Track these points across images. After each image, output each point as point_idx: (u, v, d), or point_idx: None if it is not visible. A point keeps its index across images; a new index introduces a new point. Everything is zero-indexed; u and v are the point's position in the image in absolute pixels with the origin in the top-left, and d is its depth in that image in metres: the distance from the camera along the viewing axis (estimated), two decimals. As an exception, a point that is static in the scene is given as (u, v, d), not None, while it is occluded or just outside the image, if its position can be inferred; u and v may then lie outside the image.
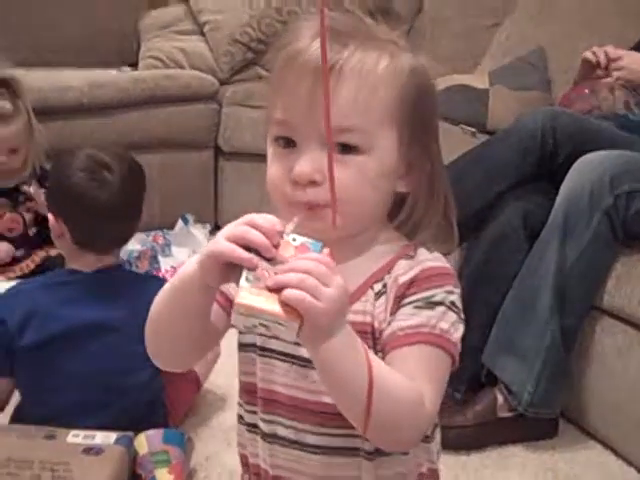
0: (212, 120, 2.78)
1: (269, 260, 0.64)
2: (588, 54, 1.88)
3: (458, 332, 0.75)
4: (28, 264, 2.16)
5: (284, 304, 0.62)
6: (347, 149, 0.73)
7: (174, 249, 2.49)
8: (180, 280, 0.73)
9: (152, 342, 0.78)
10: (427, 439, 0.83)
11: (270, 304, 0.62)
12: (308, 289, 0.62)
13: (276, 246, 0.65)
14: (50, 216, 1.49)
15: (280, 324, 0.63)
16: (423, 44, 2.64)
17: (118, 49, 3.12)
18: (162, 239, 2.49)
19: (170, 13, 3.18)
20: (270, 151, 0.77)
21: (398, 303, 0.75)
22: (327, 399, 0.76)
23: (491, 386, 1.65)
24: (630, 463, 1.57)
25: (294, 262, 0.64)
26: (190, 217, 2.64)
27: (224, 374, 1.70)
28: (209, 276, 0.68)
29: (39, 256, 2.16)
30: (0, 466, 1.29)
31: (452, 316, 0.75)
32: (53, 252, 2.08)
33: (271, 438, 0.81)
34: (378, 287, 0.77)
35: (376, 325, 0.76)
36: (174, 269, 2.30)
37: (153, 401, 1.50)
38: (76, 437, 1.36)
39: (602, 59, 1.85)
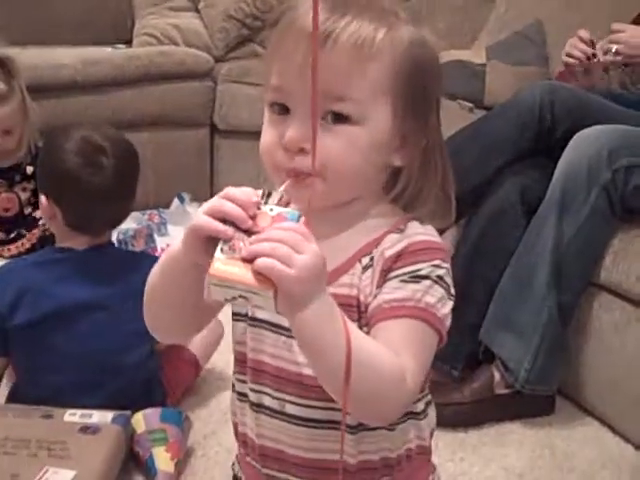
0: (207, 97, 2.76)
1: (246, 232, 0.65)
2: (569, 59, 1.86)
3: (446, 307, 0.75)
4: (24, 242, 2.15)
5: (257, 273, 0.62)
6: (339, 118, 0.73)
7: (170, 228, 2.48)
8: (168, 257, 0.74)
9: (149, 316, 0.79)
10: (417, 415, 0.83)
11: (243, 274, 0.62)
12: (279, 257, 0.62)
13: (253, 217, 0.65)
14: (42, 197, 1.47)
15: (255, 294, 0.63)
16: (419, 19, 2.61)
17: (112, 26, 3.09)
18: (158, 218, 2.48)
19: (164, -11, 3.14)
20: (265, 117, 0.77)
21: (384, 277, 0.75)
22: (307, 370, 0.76)
23: (488, 363, 1.65)
24: (627, 440, 1.58)
25: (268, 232, 0.64)
26: (186, 196, 2.63)
27: (223, 354, 1.69)
28: (192, 251, 0.68)
29: (35, 235, 2.16)
30: (-3, 445, 1.29)
31: (439, 290, 0.74)
32: (49, 231, 2.07)
33: (258, 407, 0.82)
34: (366, 260, 0.77)
35: (362, 298, 0.75)
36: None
37: (149, 379, 1.50)
38: (73, 416, 1.37)
39: (582, 55, 1.83)
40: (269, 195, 0.73)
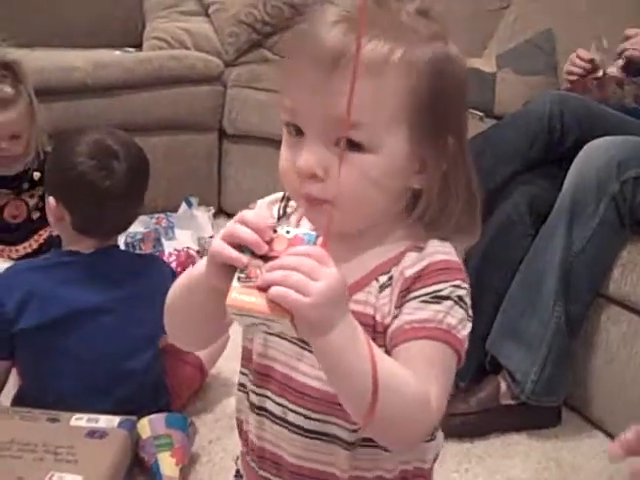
0: (217, 102, 2.76)
1: (262, 257, 0.64)
2: (570, 77, 1.86)
3: (466, 329, 0.73)
4: (31, 243, 2.14)
5: (273, 302, 0.62)
6: (351, 146, 0.69)
7: (177, 232, 2.47)
8: (192, 277, 0.73)
9: (170, 327, 0.80)
10: None
11: (259, 303, 0.62)
12: (293, 285, 0.61)
13: (269, 241, 0.64)
14: (51, 199, 1.47)
15: (273, 321, 0.63)
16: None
17: (122, 30, 3.09)
18: (165, 222, 2.48)
19: (175, -7, 3.14)
20: (284, 136, 0.75)
21: (404, 297, 0.73)
22: (314, 382, 0.75)
23: (495, 373, 1.65)
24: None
25: (283, 258, 0.63)
26: (194, 200, 2.63)
27: (229, 359, 1.69)
28: (212, 276, 0.68)
29: (42, 236, 2.15)
30: (3, 448, 1.30)
31: (459, 311, 0.73)
32: (55, 232, 2.07)
33: (260, 410, 0.81)
34: (383, 279, 0.75)
35: (378, 318, 0.74)
36: (177, 252, 2.29)
37: (156, 383, 1.50)
38: (79, 420, 1.37)
39: (580, 71, 1.83)
40: (285, 212, 0.72)
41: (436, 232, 0.76)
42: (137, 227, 2.28)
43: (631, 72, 1.81)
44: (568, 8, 2.48)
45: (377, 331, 0.74)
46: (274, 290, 0.61)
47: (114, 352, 1.41)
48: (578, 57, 1.84)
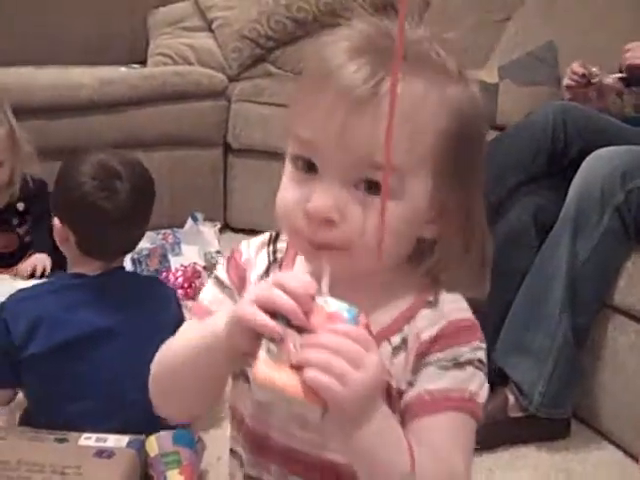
0: (221, 117, 2.77)
1: (296, 327, 0.57)
2: (568, 92, 1.88)
3: (485, 390, 0.70)
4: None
5: (306, 385, 0.56)
6: (373, 189, 0.63)
7: (184, 247, 2.48)
8: (206, 331, 0.66)
9: (159, 391, 0.74)
10: None
11: (291, 383, 0.56)
12: (334, 373, 0.55)
13: (307, 312, 0.58)
14: (56, 220, 1.47)
15: (301, 404, 0.56)
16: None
17: (126, 47, 3.11)
18: (172, 237, 2.49)
19: (178, 10, 3.17)
20: (286, 170, 0.67)
21: (420, 361, 0.67)
22: (331, 455, 0.69)
23: (502, 385, 1.64)
24: (643, 463, 1.57)
25: (323, 336, 0.57)
26: (200, 215, 2.63)
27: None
28: (236, 337, 0.61)
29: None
30: (11, 469, 1.29)
31: (480, 376, 0.69)
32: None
33: None
34: (396, 341, 0.68)
35: (393, 384, 0.68)
36: (184, 267, 2.30)
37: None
38: (88, 440, 1.36)
39: (574, 84, 1.85)
40: (275, 258, 0.67)
41: (443, 285, 0.70)
42: (143, 243, 2.27)
43: (632, 82, 1.82)
44: (569, 22, 2.49)
45: (392, 396, 0.68)
46: (313, 375, 0.56)
47: (120, 374, 1.40)
48: (572, 71, 1.86)
